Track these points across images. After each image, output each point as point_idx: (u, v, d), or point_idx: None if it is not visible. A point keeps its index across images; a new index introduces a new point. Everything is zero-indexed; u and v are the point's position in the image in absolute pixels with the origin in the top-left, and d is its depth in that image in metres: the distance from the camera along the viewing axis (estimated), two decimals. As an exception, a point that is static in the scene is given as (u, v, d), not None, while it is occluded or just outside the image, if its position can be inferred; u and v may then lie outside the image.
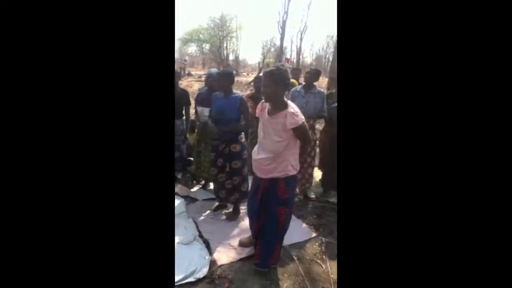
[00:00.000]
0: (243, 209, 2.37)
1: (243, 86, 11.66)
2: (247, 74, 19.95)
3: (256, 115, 1.73)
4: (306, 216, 2.48)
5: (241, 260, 1.86)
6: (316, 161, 3.07)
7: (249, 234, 1.97)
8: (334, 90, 3.17)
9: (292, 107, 1.55)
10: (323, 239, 2.17)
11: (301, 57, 24.48)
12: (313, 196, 2.81)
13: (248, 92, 4.97)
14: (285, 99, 1.58)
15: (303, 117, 1.55)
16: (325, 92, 3.09)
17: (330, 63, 8.94)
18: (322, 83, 9.17)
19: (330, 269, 1.85)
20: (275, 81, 1.49)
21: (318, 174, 3.09)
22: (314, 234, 2.21)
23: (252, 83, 9.34)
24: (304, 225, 2.34)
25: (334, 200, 2.75)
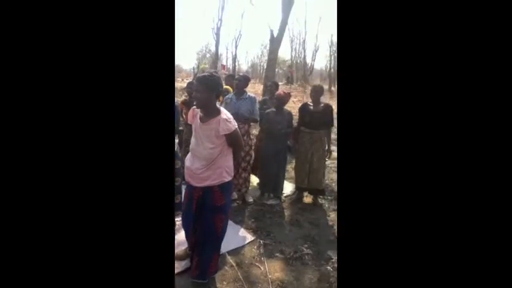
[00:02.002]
0: (178, 221, 2.27)
1: (177, 91, 11.24)
2: (182, 80, 19.35)
3: (189, 122, 1.69)
4: (244, 221, 2.51)
5: (177, 274, 1.77)
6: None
7: (184, 246, 1.89)
8: (267, 97, 3.32)
9: (225, 114, 1.56)
10: (261, 241, 2.22)
11: (236, 64, 24.97)
12: (250, 200, 2.87)
13: (183, 97, 4.82)
14: (218, 105, 1.59)
15: (236, 124, 1.58)
16: (261, 98, 3.22)
17: (264, 71, 9.35)
18: (258, 90, 9.50)
19: (268, 269, 1.91)
20: (207, 87, 1.48)
21: (254, 178, 3.16)
22: (252, 238, 2.25)
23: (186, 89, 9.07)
24: (242, 229, 2.36)
25: (271, 202, 2.86)
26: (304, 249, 2.14)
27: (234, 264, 1.92)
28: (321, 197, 2.96)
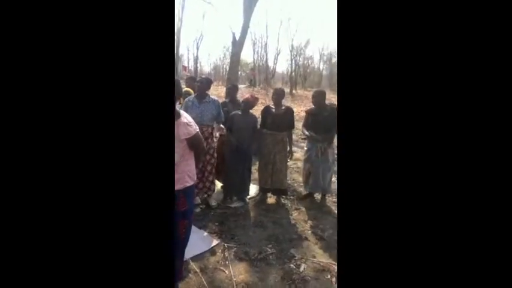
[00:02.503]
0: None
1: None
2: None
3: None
4: (208, 225, 2.48)
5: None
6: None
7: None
8: (227, 100, 3.32)
9: (185, 117, 1.53)
10: (225, 244, 2.21)
11: (199, 65, 24.53)
12: (214, 204, 2.84)
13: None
14: (177, 109, 1.55)
15: (197, 127, 1.56)
16: (224, 100, 3.22)
17: (227, 73, 9.31)
18: (221, 92, 9.45)
19: (233, 273, 1.91)
20: None
21: (217, 182, 3.14)
22: (216, 242, 2.23)
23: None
24: (206, 234, 2.33)
25: (236, 204, 2.86)
26: (268, 250, 2.18)
27: (198, 271, 1.88)
28: (283, 197, 3.04)
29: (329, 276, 1.94)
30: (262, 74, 20.91)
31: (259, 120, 3.00)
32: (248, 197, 3.01)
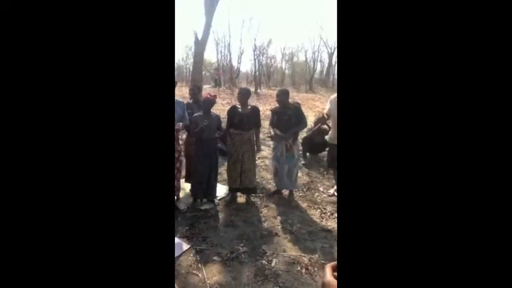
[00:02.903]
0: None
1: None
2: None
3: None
4: (178, 230, 2.43)
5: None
6: (183, 172, 3.07)
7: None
8: (191, 101, 3.28)
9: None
10: (197, 247, 2.19)
11: (160, 65, 23.56)
12: (183, 207, 2.79)
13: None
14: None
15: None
16: (188, 101, 3.16)
17: (191, 74, 9.11)
18: (185, 93, 9.21)
19: (206, 275, 1.90)
20: None
21: (187, 184, 3.08)
22: (188, 246, 2.20)
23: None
24: (176, 239, 2.28)
25: (205, 206, 2.84)
26: (240, 248, 2.21)
27: (169, 276, 1.84)
28: (253, 195, 3.08)
29: (299, 268, 2.02)
30: (226, 73, 20.81)
31: (225, 120, 3.00)
32: (218, 197, 3.00)
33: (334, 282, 0.48)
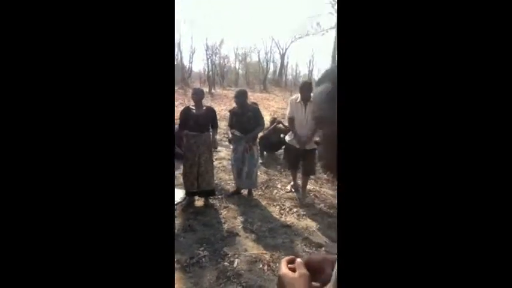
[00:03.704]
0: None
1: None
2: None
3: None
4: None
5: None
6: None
7: None
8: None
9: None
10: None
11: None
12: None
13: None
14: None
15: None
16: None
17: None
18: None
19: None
20: None
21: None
22: (143, 256, 2.07)
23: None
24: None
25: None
26: (201, 252, 2.15)
27: None
28: (211, 197, 3.03)
29: (261, 266, 2.05)
30: (178, 73, 20.10)
31: (178, 122, 2.89)
32: (175, 203, 2.87)
33: (290, 274, 0.50)
